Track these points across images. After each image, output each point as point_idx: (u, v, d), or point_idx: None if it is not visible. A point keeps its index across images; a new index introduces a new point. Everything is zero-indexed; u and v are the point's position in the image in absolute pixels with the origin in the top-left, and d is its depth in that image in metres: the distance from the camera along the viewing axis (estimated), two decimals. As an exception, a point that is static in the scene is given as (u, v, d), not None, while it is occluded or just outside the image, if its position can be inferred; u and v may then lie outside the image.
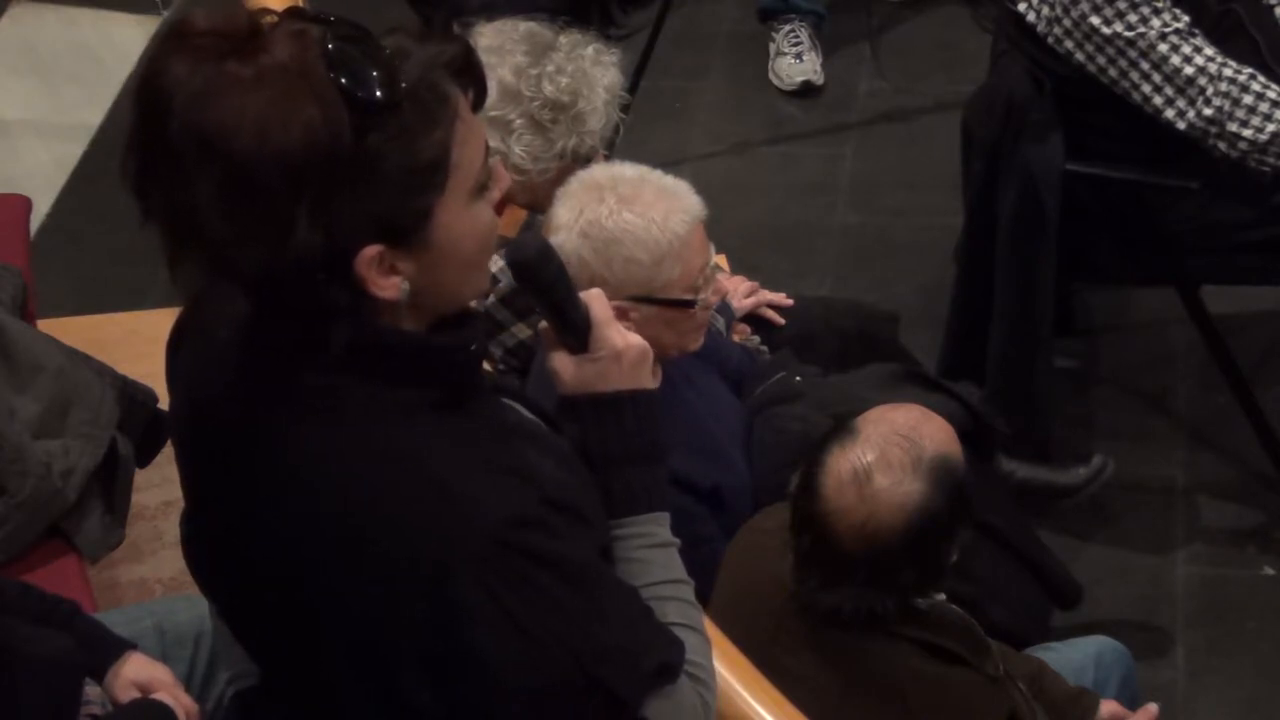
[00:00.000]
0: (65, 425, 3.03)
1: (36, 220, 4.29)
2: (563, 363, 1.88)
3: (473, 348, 1.78)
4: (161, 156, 1.61)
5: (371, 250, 1.65)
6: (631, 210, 2.60)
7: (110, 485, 3.08)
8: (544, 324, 1.89)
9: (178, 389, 1.87)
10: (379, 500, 1.69)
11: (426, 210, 1.67)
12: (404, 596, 1.68)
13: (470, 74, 1.70)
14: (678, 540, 1.92)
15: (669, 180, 2.68)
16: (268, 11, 1.66)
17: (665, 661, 1.80)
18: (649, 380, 1.90)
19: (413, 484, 1.69)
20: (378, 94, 1.61)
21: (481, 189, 1.72)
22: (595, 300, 1.88)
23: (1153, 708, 2.71)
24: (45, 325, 3.40)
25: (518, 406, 1.90)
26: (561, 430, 1.90)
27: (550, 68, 3.01)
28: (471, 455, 1.72)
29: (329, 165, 1.60)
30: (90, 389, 3.07)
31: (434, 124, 1.66)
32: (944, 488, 2.39)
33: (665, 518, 1.90)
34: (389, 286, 1.68)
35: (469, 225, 1.71)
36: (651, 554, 1.88)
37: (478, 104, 1.71)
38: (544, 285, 1.84)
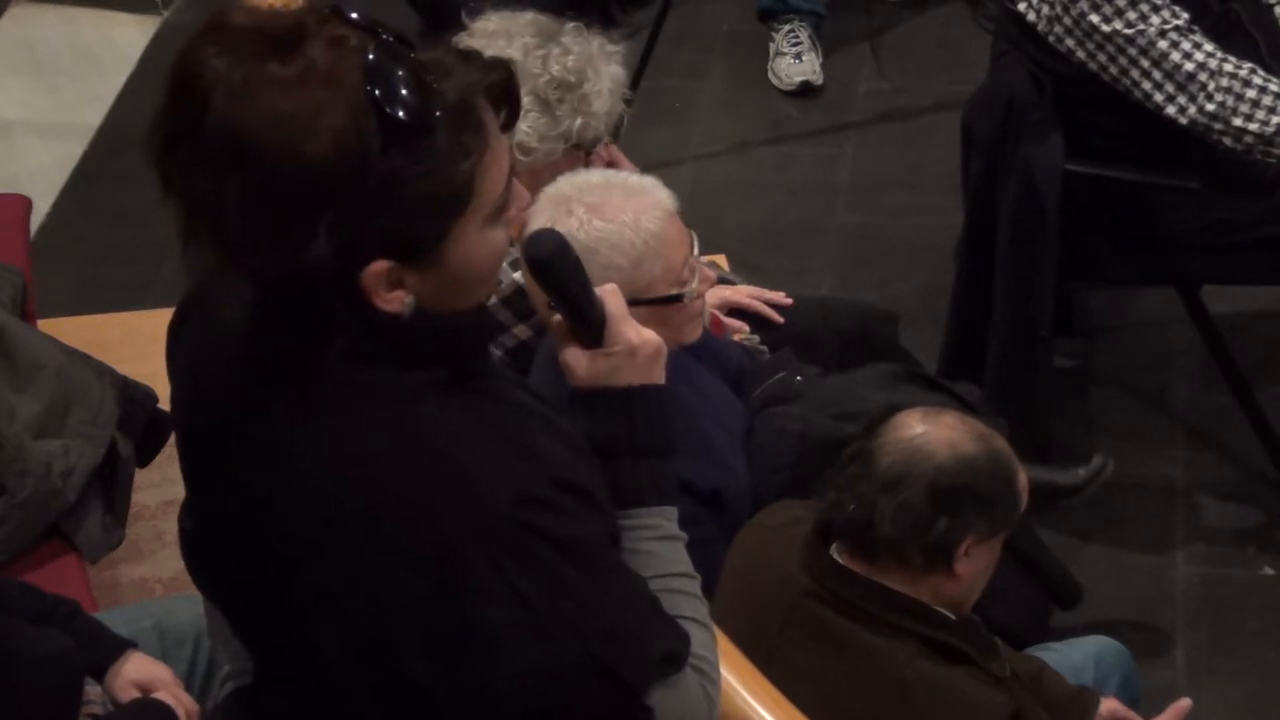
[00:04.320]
0: (65, 425, 3.03)
1: (36, 220, 4.28)
2: (575, 357, 1.87)
3: (481, 324, 1.78)
4: (192, 146, 1.60)
5: (380, 265, 1.65)
6: (601, 218, 2.61)
7: (110, 485, 3.08)
8: (557, 317, 1.88)
9: (179, 373, 1.86)
10: (385, 479, 1.69)
11: (443, 232, 1.67)
12: (409, 574, 1.67)
13: (507, 100, 1.69)
14: (685, 535, 1.91)
15: (634, 179, 2.69)
16: (312, 10, 1.64)
17: (671, 650, 1.80)
18: (661, 375, 1.90)
19: (420, 461, 1.69)
20: (410, 112, 1.60)
21: (499, 211, 1.71)
22: (610, 295, 1.87)
23: (1185, 703, 2.69)
24: (45, 325, 3.40)
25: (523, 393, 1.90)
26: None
27: (557, 50, 3.03)
28: (480, 431, 1.72)
29: (356, 179, 1.59)
30: (90, 389, 3.07)
31: (465, 152, 1.65)
32: (995, 477, 2.43)
33: (673, 512, 1.90)
34: (393, 300, 1.67)
35: (483, 248, 1.71)
36: (659, 546, 1.87)
37: (508, 125, 1.70)
38: (561, 280, 1.84)
